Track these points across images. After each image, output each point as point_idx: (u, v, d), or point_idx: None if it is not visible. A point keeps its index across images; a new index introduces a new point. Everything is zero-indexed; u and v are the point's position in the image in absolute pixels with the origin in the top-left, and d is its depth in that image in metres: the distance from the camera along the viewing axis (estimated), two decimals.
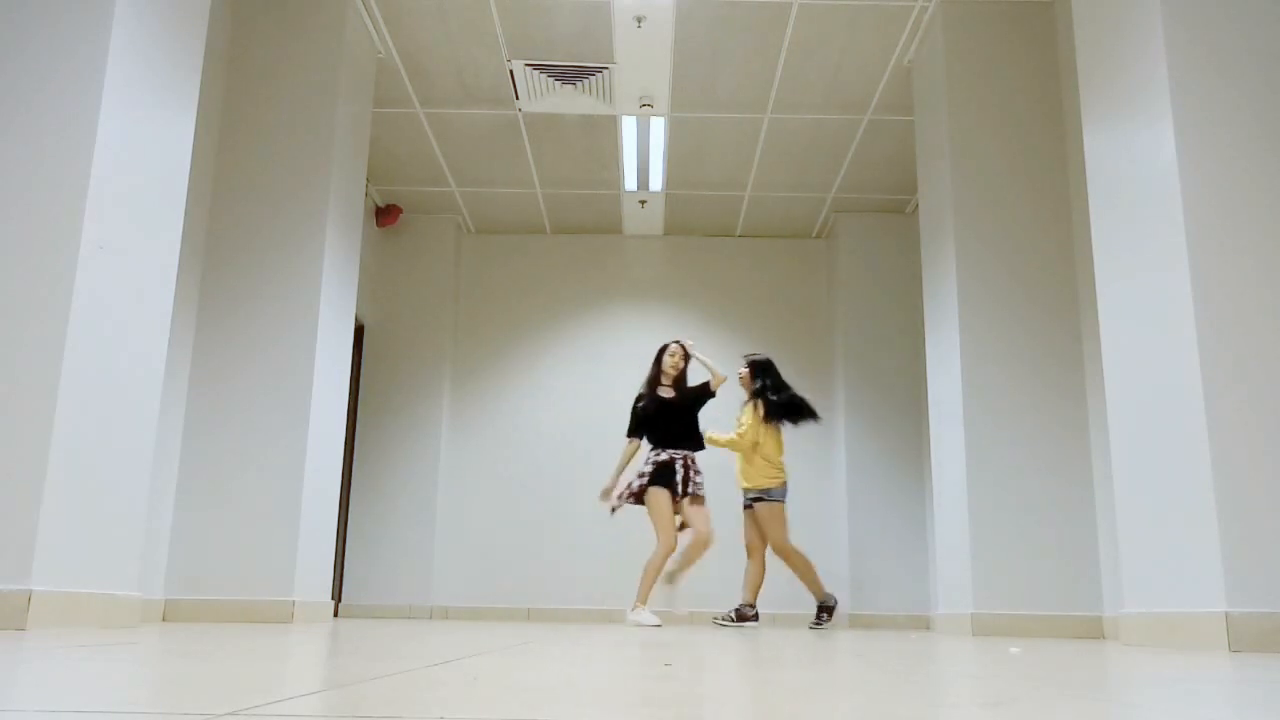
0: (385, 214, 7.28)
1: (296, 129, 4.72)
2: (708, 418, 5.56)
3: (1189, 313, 2.90)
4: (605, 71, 5.61)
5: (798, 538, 7.24)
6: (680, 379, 5.43)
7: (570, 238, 7.90)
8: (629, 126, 6.25)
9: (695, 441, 5.34)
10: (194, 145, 4.46)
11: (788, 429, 5.69)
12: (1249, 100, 3.02)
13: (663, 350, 5.47)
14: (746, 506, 5.54)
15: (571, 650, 2.27)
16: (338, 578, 6.92)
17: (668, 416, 5.33)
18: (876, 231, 7.42)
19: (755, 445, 5.47)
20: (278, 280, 4.56)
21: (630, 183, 7.02)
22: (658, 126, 6.24)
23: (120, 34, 3.11)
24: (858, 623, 6.72)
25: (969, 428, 4.46)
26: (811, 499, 7.31)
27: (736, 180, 6.98)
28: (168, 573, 4.27)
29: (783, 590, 6.81)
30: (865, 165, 6.74)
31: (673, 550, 5.11)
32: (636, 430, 5.39)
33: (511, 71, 5.65)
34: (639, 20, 5.14)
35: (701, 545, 5.14)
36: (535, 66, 5.58)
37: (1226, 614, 2.66)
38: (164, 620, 4.14)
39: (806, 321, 7.71)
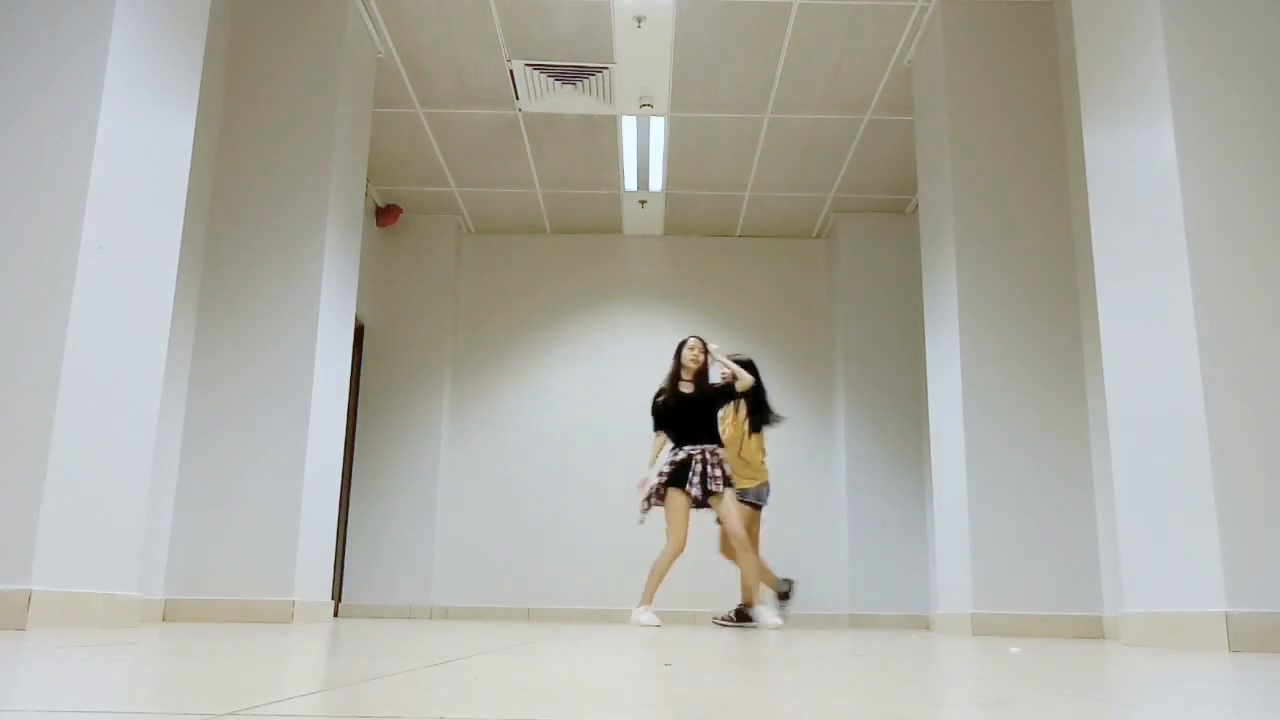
0: (385, 214, 7.28)
1: (296, 129, 4.72)
2: None
3: (1189, 313, 2.90)
4: (605, 71, 5.61)
5: (797, 537, 7.24)
6: (701, 374, 5.37)
7: (570, 238, 7.90)
8: (629, 126, 6.25)
9: (715, 437, 5.28)
10: (194, 145, 4.46)
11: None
12: (1249, 100, 3.02)
13: (682, 345, 5.43)
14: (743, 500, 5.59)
15: (571, 650, 2.27)
16: (338, 578, 6.92)
17: (687, 413, 5.27)
18: (876, 231, 7.42)
19: (739, 447, 5.55)
20: (278, 280, 4.56)
21: (630, 183, 7.02)
22: (658, 126, 6.24)
23: (120, 34, 3.11)
24: (858, 623, 6.72)
25: (969, 428, 4.46)
26: (811, 499, 7.31)
27: (736, 180, 6.98)
28: (168, 573, 4.27)
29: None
30: (865, 165, 6.74)
31: (680, 552, 5.07)
32: (658, 427, 5.38)
33: (511, 71, 5.65)
34: (639, 20, 5.14)
35: (737, 541, 5.08)
36: (535, 66, 5.58)
37: (1226, 614, 2.66)
38: (164, 620, 4.14)
39: (806, 321, 7.71)
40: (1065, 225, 4.66)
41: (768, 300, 7.75)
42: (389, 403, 7.31)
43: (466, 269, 7.83)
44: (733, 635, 3.86)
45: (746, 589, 5.45)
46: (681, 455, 5.21)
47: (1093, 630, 4.23)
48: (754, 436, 5.64)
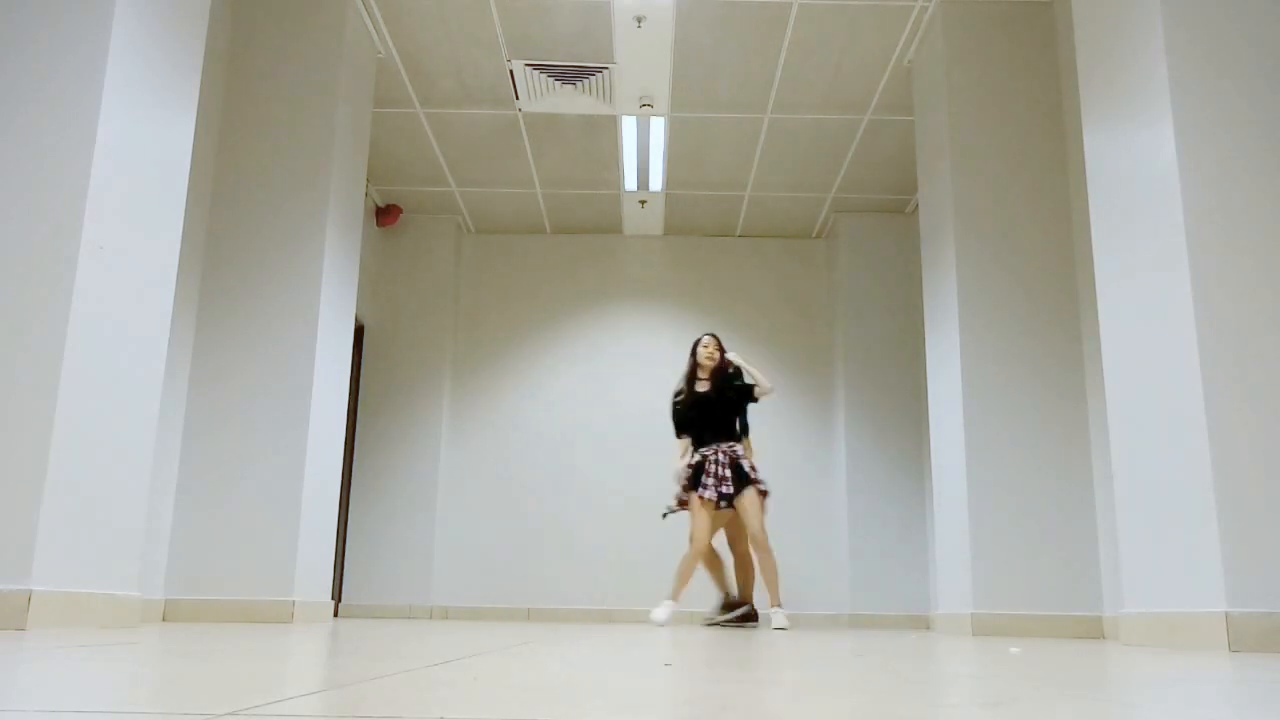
0: (385, 214, 7.28)
1: (296, 129, 4.72)
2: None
3: (1189, 313, 2.90)
4: (605, 71, 5.61)
5: (797, 537, 7.24)
6: (718, 372, 5.33)
7: (570, 238, 7.90)
8: (629, 126, 6.25)
9: (732, 435, 5.22)
10: (194, 145, 4.46)
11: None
12: (1249, 100, 3.02)
13: (696, 344, 5.39)
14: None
15: (571, 650, 2.27)
16: (338, 578, 6.92)
17: (703, 413, 5.23)
18: (876, 231, 7.42)
19: None
20: (278, 280, 4.56)
21: (630, 183, 7.02)
22: (658, 126, 6.24)
23: (120, 34, 3.11)
24: (858, 623, 6.72)
25: (969, 428, 4.46)
26: (811, 499, 7.31)
27: (736, 180, 6.98)
28: (168, 573, 4.27)
29: (786, 588, 6.82)
30: (865, 165, 6.74)
31: (701, 554, 5.05)
32: (679, 430, 5.36)
33: (511, 71, 5.65)
34: (639, 20, 5.14)
35: (758, 545, 5.06)
36: (535, 66, 5.58)
37: (1226, 614, 2.66)
38: (164, 620, 4.14)
39: (806, 321, 7.71)
40: (1065, 225, 4.67)
41: (768, 300, 7.75)
42: (389, 403, 7.31)
43: (466, 269, 7.83)
44: (732, 635, 3.85)
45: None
46: (696, 458, 5.19)
47: (1093, 630, 4.23)
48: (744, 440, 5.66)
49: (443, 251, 7.59)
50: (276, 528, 4.31)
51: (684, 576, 5.08)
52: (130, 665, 1.48)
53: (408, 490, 7.16)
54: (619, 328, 7.71)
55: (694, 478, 5.17)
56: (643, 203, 7.35)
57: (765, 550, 5.04)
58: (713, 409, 5.22)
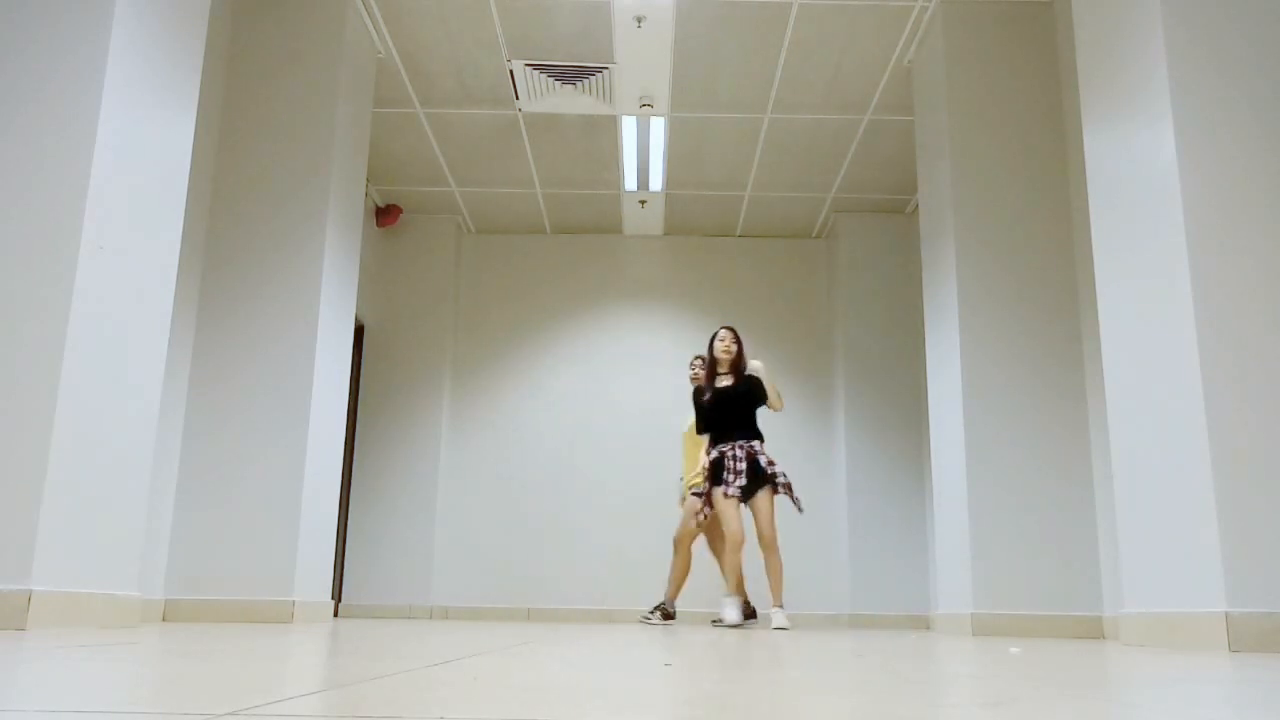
0: (385, 214, 7.28)
1: (296, 129, 4.72)
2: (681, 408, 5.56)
3: (1189, 313, 2.90)
4: (605, 71, 5.61)
5: (797, 537, 7.24)
6: (738, 363, 5.28)
7: (570, 238, 7.91)
8: (629, 126, 6.25)
9: (749, 429, 5.19)
10: (194, 145, 4.46)
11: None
12: (1249, 100, 3.02)
13: (713, 338, 5.36)
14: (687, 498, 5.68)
15: (571, 650, 2.27)
16: (338, 578, 6.92)
17: (722, 408, 5.20)
18: (876, 231, 7.42)
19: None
20: (278, 280, 4.56)
21: (630, 183, 7.02)
22: (658, 126, 6.24)
23: (120, 34, 3.11)
24: (858, 623, 6.72)
25: (969, 428, 4.46)
26: (811, 499, 7.31)
27: (736, 180, 6.98)
28: (168, 573, 4.27)
29: (787, 587, 6.83)
30: (865, 165, 6.74)
31: (738, 544, 5.03)
32: (702, 427, 5.35)
33: (511, 71, 5.65)
34: (639, 20, 5.14)
35: (766, 546, 5.05)
36: (535, 66, 5.58)
37: (1226, 614, 2.66)
38: (164, 620, 4.14)
39: (806, 321, 7.71)
40: (1065, 225, 4.67)
41: (768, 300, 7.75)
42: (389, 403, 7.31)
43: (466, 269, 7.83)
44: (731, 635, 3.85)
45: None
46: (714, 455, 5.17)
47: (1093, 630, 4.23)
48: None
49: (443, 251, 7.59)
50: (276, 528, 4.31)
51: (733, 570, 5.06)
52: (130, 665, 1.48)
53: (408, 490, 7.16)
54: (619, 328, 7.71)
55: (715, 474, 5.15)
56: (643, 203, 7.35)
57: (773, 550, 5.03)
58: (734, 404, 5.18)
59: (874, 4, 5.00)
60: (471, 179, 7.02)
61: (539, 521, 7.34)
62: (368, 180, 6.87)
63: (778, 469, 5.09)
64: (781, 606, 5.03)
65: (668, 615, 5.63)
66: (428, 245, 7.59)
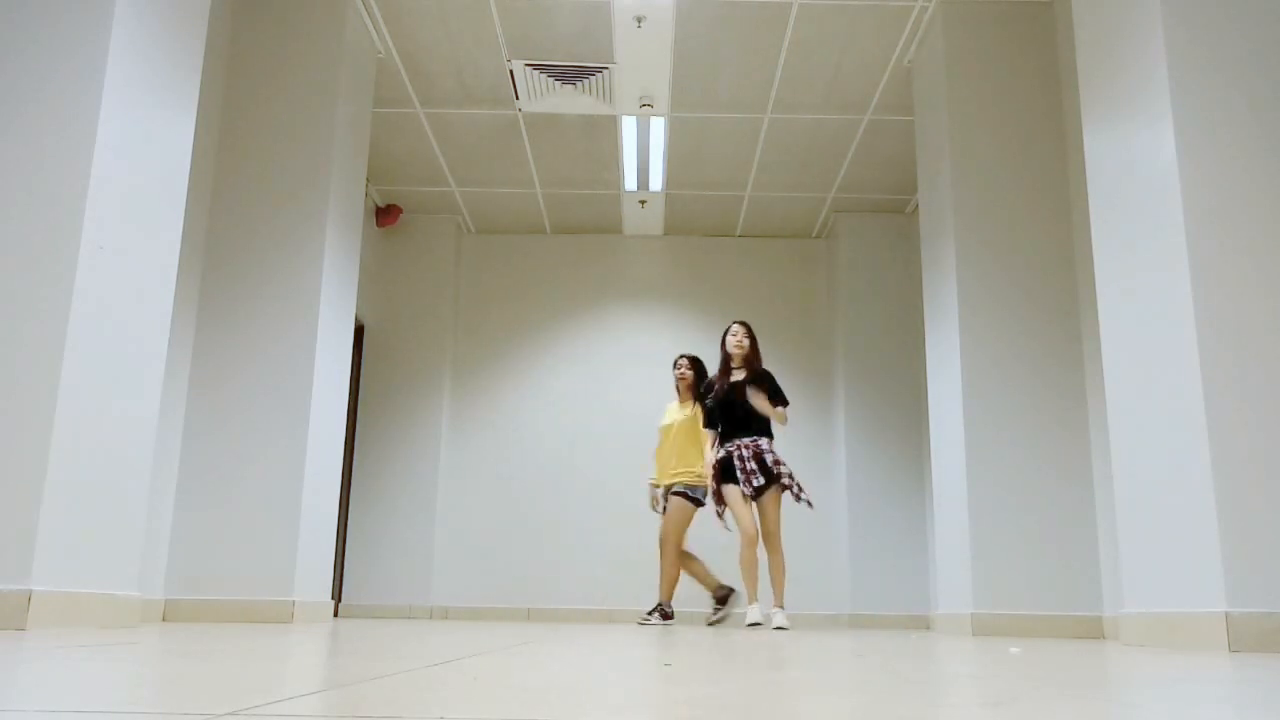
0: (385, 214, 7.28)
1: (296, 129, 4.72)
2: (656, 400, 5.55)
3: (1189, 313, 2.90)
4: (605, 71, 5.61)
5: (797, 537, 7.24)
6: (750, 358, 5.25)
7: (570, 238, 7.91)
8: (629, 126, 6.25)
9: (762, 427, 5.15)
10: (194, 145, 4.46)
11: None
12: (1249, 100, 3.02)
13: (725, 334, 5.32)
14: (667, 497, 5.66)
15: (571, 650, 2.27)
16: (338, 578, 6.92)
17: (732, 405, 5.15)
18: (876, 231, 7.42)
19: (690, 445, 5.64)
20: (278, 280, 4.56)
21: (630, 183, 7.02)
22: (658, 126, 6.24)
23: (120, 34, 3.11)
24: (858, 623, 6.72)
25: (969, 428, 4.46)
26: (811, 499, 7.31)
27: (736, 180, 6.98)
28: (168, 573, 4.27)
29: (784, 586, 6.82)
30: (865, 165, 6.74)
31: (752, 537, 5.02)
32: (710, 423, 5.33)
33: (511, 71, 5.65)
34: (639, 20, 5.14)
35: (771, 545, 5.05)
36: (535, 66, 5.58)
37: (1226, 614, 2.66)
38: (164, 620, 4.14)
39: (806, 321, 7.71)
40: (1065, 225, 4.67)
41: (768, 300, 7.75)
42: (389, 403, 7.31)
43: (466, 269, 7.83)
44: (730, 634, 3.85)
45: (727, 582, 5.55)
46: (722, 454, 5.15)
47: (1093, 630, 4.23)
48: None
49: (443, 251, 7.59)
50: (276, 528, 4.31)
51: (749, 571, 5.06)
52: (130, 665, 1.48)
53: (408, 490, 7.16)
54: (619, 328, 7.71)
55: (725, 472, 5.14)
56: (643, 203, 7.35)
57: (776, 550, 5.02)
58: (744, 401, 5.15)
59: (874, 4, 5.00)
60: (471, 179, 7.02)
61: (539, 521, 7.34)
62: (368, 180, 6.87)
63: (784, 469, 5.07)
64: (782, 607, 5.03)
65: (666, 615, 5.64)
66: (428, 245, 7.59)
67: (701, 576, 5.67)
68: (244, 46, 4.81)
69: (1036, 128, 4.78)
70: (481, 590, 7.21)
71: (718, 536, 6.83)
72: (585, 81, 5.71)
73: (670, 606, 5.65)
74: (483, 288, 7.80)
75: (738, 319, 5.46)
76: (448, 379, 7.46)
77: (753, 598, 5.04)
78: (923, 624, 6.70)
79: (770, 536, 4.99)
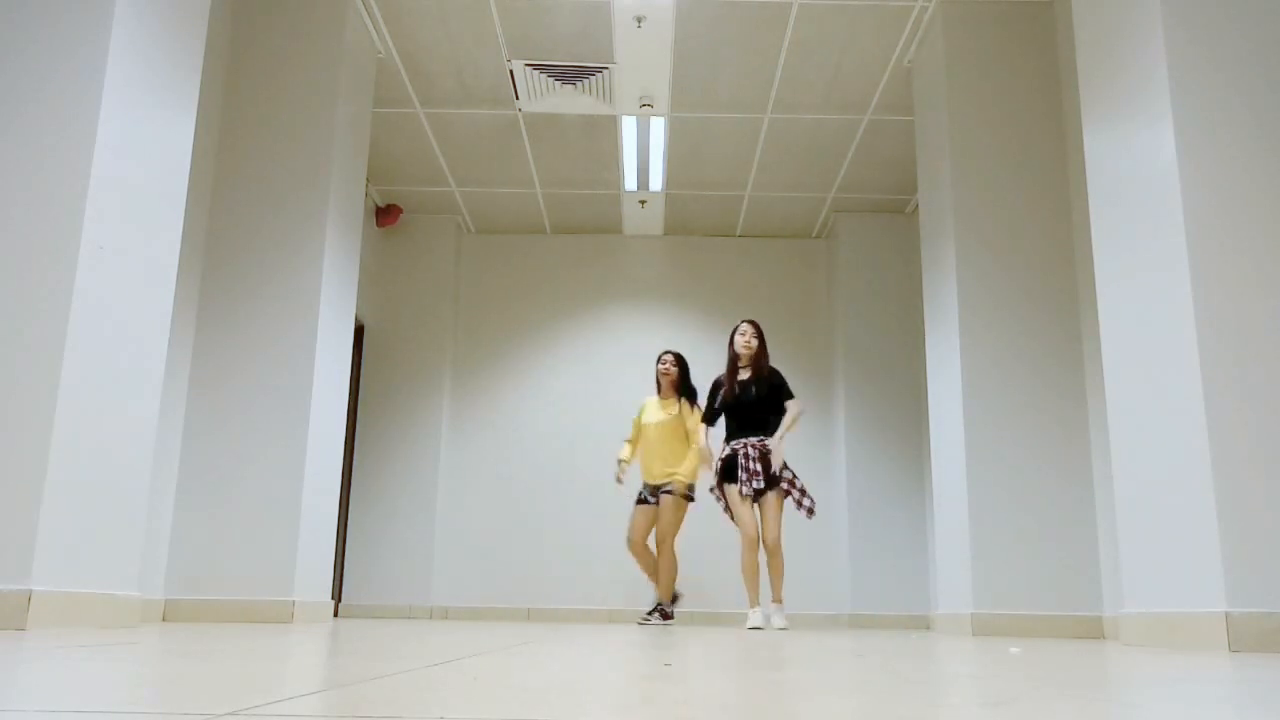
0: (385, 214, 7.28)
1: (296, 129, 4.72)
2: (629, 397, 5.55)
3: (1189, 313, 2.90)
4: (605, 71, 5.61)
5: (798, 536, 7.24)
6: (758, 357, 5.23)
7: (570, 238, 7.91)
8: (629, 126, 6.25)
9: (767, 429, 5.13)
10: (194, 145, 4.46)
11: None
12: (1249, 100, 3.02)
13: (734, 332, 5.29)
14: (655, 497, 5.66)
15: (571, 650, 2.27)
16: (338, 578, 6.92)
17: (739, 405, 5.13)
18: (876, 231, 7.42)
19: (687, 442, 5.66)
20: (278, 280, 4.56)
21: (630, 183, 7.02)
22: (658, 126, 6.24)
23: (120, 34, 3.11)
24: (858, 623, 6.72)
25: (969, 428, 4.46)
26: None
27: (736, 180, 6.98)
28: (168, 573, 4.27)
29: (787, 586, 6.82)
30: (865, 165, 6.74)
31: (752, 539, 5.00)
32: (709, 417, 5.33)
33: (511, 71, 5.65)
34: (639, 20, 5.14)
35: (770, 546, 5.04)
36: (535, 66, 5.58)
37: (1226, 614, 2.66)
38: (164, 620, 4.14)
39: (806, 321, 7.71)
40: (1065, 225, 4.67)
41: (768, 300, 7.75)
42: (389, 403, 7.31)
43: (466, 269, 7.83)
44: (730, 635, 3.85)
45: (665, 584, 5.58)
46: (727, 452, 5.14)
47: (1093, 630, 4.23)
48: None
49: (443, 251, 7.59)
50: (276, 528, 4.31)
51: (750, 575, 5.05)
52: (130, 665, 1.48)
53: (408, 490, 7.16)
54: (619, 328, 7.70)
55: (727, 470, 5.12)
56: (643, 203, 7.35)
57: (776, 554, 5.01)
58: (752, 401, 5.13)
59: (874, 4, 5.00)
60: (471, 179, 7.02)
61: (539, 521, 7.34)
62: (368, 180, 6.87)
63: (788, 473, 5.06)
64: (781, 602, 5.03)
65: (666, 616, 5.64)
66: (428, 245, 7.59)
67: (651, 574, 5.69)
68: (244, 46, 4.81)
69: (1036, 128, 4.78)
70: (481, 590, 7.21)
71: (716, 537, 6.83)
72: (585, 81, 5.71)
73: (670, 606, 5.66)
74: (483, 288, 7.80)
75: (747, 318, 5.41)
76: (448, 379, 7.46)
77: (754, 601, 5.04)
78: (923, 624, 6.70)
79: (771, 542, 4.99)
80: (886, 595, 6.79)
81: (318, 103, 4.75)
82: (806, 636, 3.82)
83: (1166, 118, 3.04)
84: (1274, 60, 3.04)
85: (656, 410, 5.81)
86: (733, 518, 5.15)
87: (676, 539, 5.71)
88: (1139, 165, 3.21)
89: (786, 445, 5.22)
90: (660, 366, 5.84)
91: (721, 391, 5.25)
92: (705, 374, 7.24)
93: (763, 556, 6.30)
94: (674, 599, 5.71)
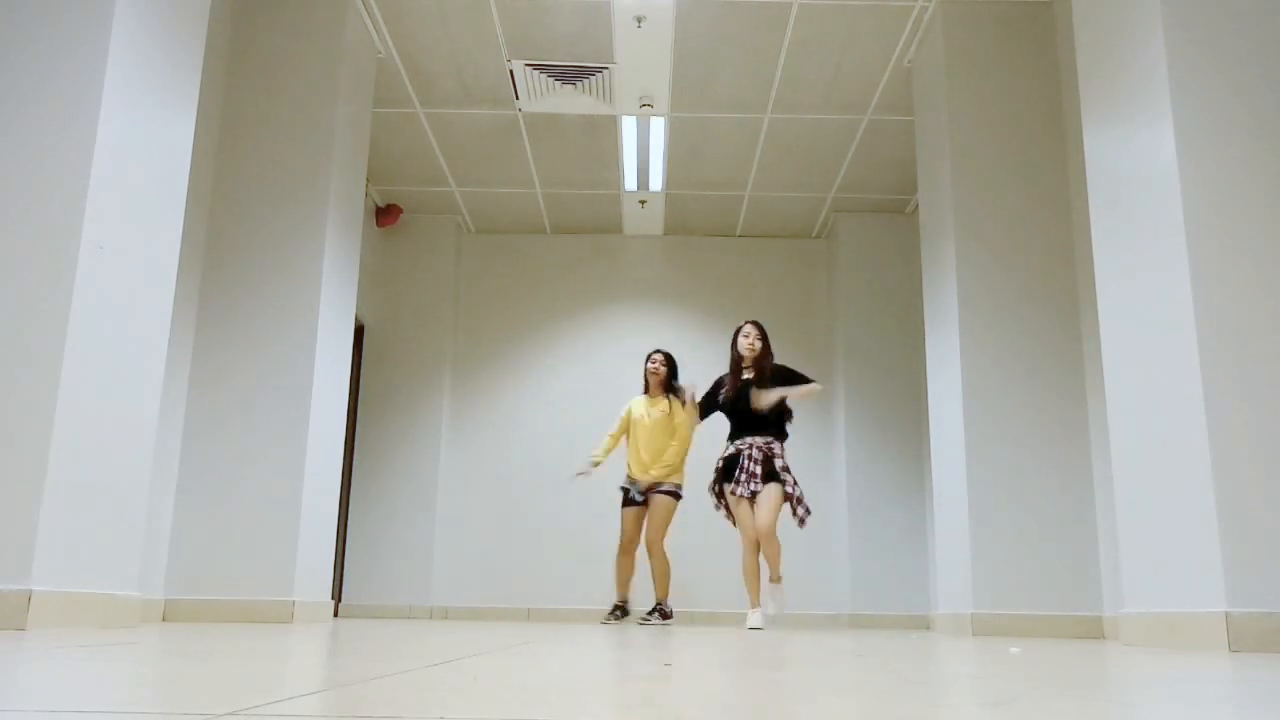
0: (385, 214, 7.28)
1: (296, 129, 4.72)
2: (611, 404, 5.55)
3: (1189, 313, 2.90)
4: (605, 71, 5.61)
5: (798, 536, 7.23)
6: (761, 359, 5.16)
7: (570, 238, 7.91)
8: (629, 126, 6.25)
9: (774, 429, 5.08)
10: (194, 145, 4.46)
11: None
12: (1249, 100, 3.02)
13: (737, 333, 5.23)
14: (645, 497, 5.64)
15: (571, 650, 2.27)
16: (338, 578, 6.92)
17: (742, 406, 5.07)
18: (876, 231, 7.42)
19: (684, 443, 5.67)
20: (278, 280, 4.56)
21: (630, 183, 7.02)
22: (658, 126, 6.24)
23: (120, 34, 3.11)
24: (858, 623, 6.72)
25: (969, 428, 4.46)
26: (812, 499, 7.30)
27: (736, 180, 6.98)
28: (168, 573, 4.27)
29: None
30: (865, 165, 6.74)
31: (753, 541, 4.98)
32: (704, 409, 5.31)
33: (511, 71, 5.65)
34: (639, 20, 5.14)
35: (765, 538, 5.02)
36: (535, 66, 5.58)
37: (1226, 614, 2.66)
38: (164, 620, 4.14)
39: (806, 321, 7.71)
40: (1065, 225, 4.67)
41: (768, 300, 7.74)
42: (389, 403, 7.31)
43: (466, 269, 7.83)
44: (727, 635, 3.85)
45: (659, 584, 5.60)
46: (730, 450, 5.10)
47: (1093, 630, 4.23)
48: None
49: (443, 251, 7.59)
50: (276, 528, 4.31)
51: (752, 577, 5.03)
52: (130, 665, 1.48)
53: (408, 490, 7.16)
54: (619, 328, 7.70)
55: (727, 470, 5.08)
56: (643, 203, 7.35)
57: (770, 539, 4.96)
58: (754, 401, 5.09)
59: (874, 4, 5.00)
60: (471, 179, 7.02)
61: (539, 521, 7.34)
62: (368, 180, 6.87)
63: (790, 476, 5.01)
64: (779, 580, 4.98)
65: (665, 615, 5.64)
66: (428, 245, 7.58)
67: (624, 582, 5.68)
68: (244, 46, 4.81)
69: (1036, 128, 4.78)
70: (481, 590, 7.21)
71: (716, 537, 6.83)
72: (585, 81, 5.71)
73: (669, 605, 5.66)
74: (483, 288, 7.80)
75: (750, 319, 5.35)
76: (448, 379, 7.46)
77: (755, 603, 5.03)
78: (923, 624, 6.70)
79: (763, 527, 4.89)
80: (886, 595, 6.79)
81: (318, 103, 4.75)
82: (806, 636, 3.82)
83: (1166, 118, 3.04)
84: (1274, 60, 3.04)
85: (646, 409, 5.79)
86: (734, 522, 5.14)
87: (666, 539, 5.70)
88: (1139, 165, 3.21)
89: (787, 447, 5.18)
90: (649, 365, 5.81)
91: (724, 390, 5.21)
92: (706, 374, 7.23)
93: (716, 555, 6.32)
94: (621, 612, 5.70)
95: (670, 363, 5.83)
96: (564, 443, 7.49)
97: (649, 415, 5.75)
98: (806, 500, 5.11)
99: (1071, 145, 4.68)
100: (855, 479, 7.00)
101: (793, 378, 5.14)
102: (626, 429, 5.87)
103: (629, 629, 4.57)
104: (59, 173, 2.95)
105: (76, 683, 1.19)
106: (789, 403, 5.12)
